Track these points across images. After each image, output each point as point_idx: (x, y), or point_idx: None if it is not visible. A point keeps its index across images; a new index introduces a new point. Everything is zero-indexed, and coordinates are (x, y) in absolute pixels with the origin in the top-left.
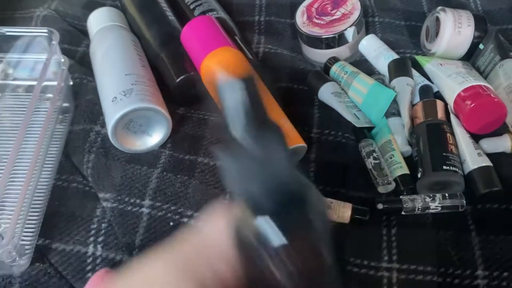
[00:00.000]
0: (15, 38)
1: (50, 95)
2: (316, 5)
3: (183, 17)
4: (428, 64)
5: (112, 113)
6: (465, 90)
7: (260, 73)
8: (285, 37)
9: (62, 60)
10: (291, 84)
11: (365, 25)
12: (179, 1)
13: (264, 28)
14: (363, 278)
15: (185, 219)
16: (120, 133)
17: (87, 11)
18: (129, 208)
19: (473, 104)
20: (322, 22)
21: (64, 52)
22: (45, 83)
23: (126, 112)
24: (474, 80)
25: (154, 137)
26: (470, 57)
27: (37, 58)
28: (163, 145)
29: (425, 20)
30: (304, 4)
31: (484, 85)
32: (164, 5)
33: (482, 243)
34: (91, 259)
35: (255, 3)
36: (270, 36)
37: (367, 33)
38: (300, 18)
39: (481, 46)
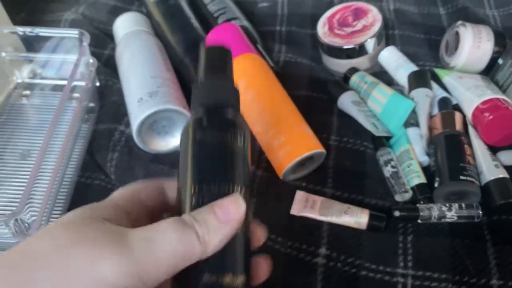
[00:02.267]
0: (46, 38)
1: (78, 95)
2: (337, 16)
3: (207, 25)
4: (447, 77)
5: (137, 114)
6: (483, 103)
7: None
8: (305, 47)
9: (91, 61)
10: (311, 93)
11: (385, 37)
12: (203, 10)
13: (285, 37)
14: (378, 283)
15: None
16: (144, 133)
17: (112, 16)
18: None
19: (491, 116)
20: (343, 33)
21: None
22: (74, 83)
23: (151, 113)
24: (493, 93)
25: (177, 138)
26: (489, 71)
27: (64, 58)
28: None
29: (444, 34)
30: (326, 15)
31: (502, 98)
32: (188, 12)
33: (497, 253)
34: None
35: (277, 13)
36: (290, 45)
37: (387, 45)
38: (322, 28)
39: (500, 61)
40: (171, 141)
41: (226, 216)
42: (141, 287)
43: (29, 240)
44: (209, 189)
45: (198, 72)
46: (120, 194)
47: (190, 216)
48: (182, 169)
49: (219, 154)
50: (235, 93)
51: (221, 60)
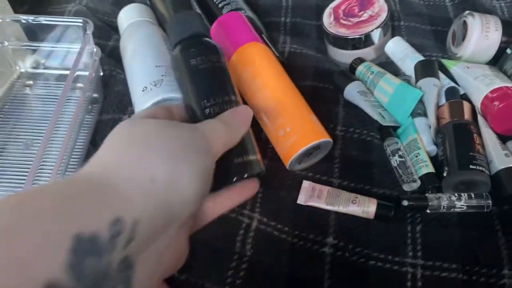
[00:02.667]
0: (50, 28)
1: (81, 85)
2: (343, 7)
3: (212, 15)
4: (455, 67)
5: (142, 102)
6: (493, 91)
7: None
8: (310, 38)
9: (95, 50)
10: (317, 83)
11: (391, 28)
12: (207, 0)
13: (290, 29)
14: (387, 273)
15: None
16: None
17: (116, 7)
18: None
19: (501, 105)
20: (348, 23)
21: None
22: (77, 73)
23: (157, 101)
24: (502, 82)
25: None
26: (496, 61)
27: (68, 48)
28: None
29: (451, 25)
30: (332, 5)
31: None
32: (193, 3)
33: (508, 243)
34: None
35: (282, 5)
36: (295, 36)
37: (392, 36)
38: (327, 18)
39: (508, 51)
40: None
41: (244, 117)
42: (212, 162)
43: (135, 121)
44: (216, 102)
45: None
46: (145, 114)
47: (222, 118)
48: (186, 93)
49: (215, 73)
50: (203, 22)
51: None
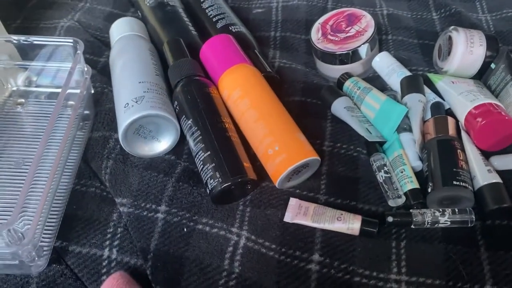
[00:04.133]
0: (41, 46)
1: (73, 102)
2: (331, 22)
3: (205, 29)
4: (440, 82)
5: (123, 119)
6: (476, 108)
7: (278, 85)
8: (300, 53)
9: (86, 69)
10: (305, 98)
11: (379, 42)
12: (201, 15)
13: (280, 43)
14: None
15: (200, 226)
16: (131, 138)
17: (108, 23)
18: (145, 213)
19: (484, 121)
20: (336, 39)
21: (86, 62)
22: (69, 90)
23: (135, 119)
24: (485, 98)
25: (163, 143)
26: (481, 76)
27: (59, 66)
28: (179, 156)
29: (437, 39)
30: (320, 21)
31: (495, 103)
32: (185, 18)
33: (490, 259)
34: (106, 262)
35: (272, 19)
36: (285, 51)
37: (380, 50)
38: (315, 34)
39: (492, 66)
40: (157, 146)
41: None
42: None
43: None
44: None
45: (168, 58)
46: None
47: None
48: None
49: (207, 100)
50: (196, 64)
51: (179, 47)
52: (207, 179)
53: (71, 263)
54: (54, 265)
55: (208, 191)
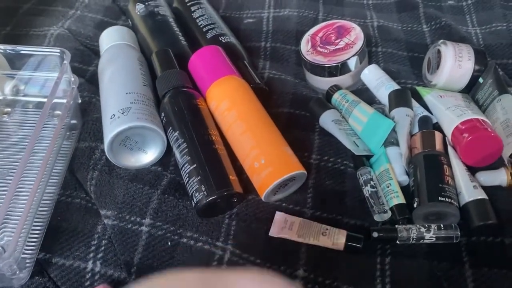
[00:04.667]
0: (28, 56)
1: (59, 112)
2: (320, 34)
3: (195, 39)
4: (428, 95)
5: (109, 130)
6: (463, 123)
7: (267, 96)
8: (290, 64)
9: (72, 79)
10: (293, 110)
11: (368, 54)
12: (191, 25)
13: (270, 54)
14: None
15: (184, 239)
16: (117, 149)
17: (98, 31)
18: (129, 226)
19: (470, 137)
20: (325, 51)
21: (75, 70)
22: (55, 100)
23: (121, 130)
24: (472, 114)
25: (149, 155)
26: (470, 90)
27: (47, 75)
28: (165, 168)
29: (427, 52)
30: (309, 32)
31: (481, 119)
32: (175, 28)
33: (475, 275)
34: (90, 274)
35: (262, 29)
36: (275, 62)
37: (370, 62)
38: (305, 46)
39: (480, 80)
40: (143, 158)
41: None
42: None
43: None
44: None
45: (156, 69)
46: None
47: None
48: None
49: (194, 112)
50: (184, 75)
51: (168, 58)
52: (193, 192)
53: (54, 275)
54: (37, 277)
55: (193, 204)
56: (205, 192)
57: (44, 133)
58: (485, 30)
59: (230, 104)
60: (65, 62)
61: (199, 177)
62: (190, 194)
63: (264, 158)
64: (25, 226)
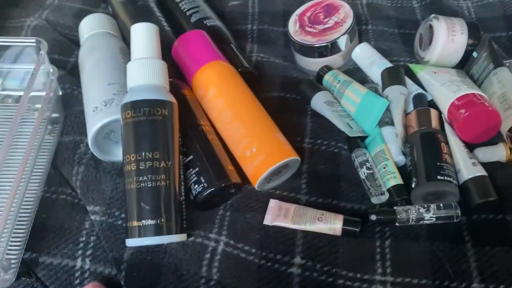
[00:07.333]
0: (4, 48)
1: (38, 106)
2: (308, 14)
3: (179, 24)
4: (422, 72)
5: (92, 124)
6: (459, 99)
7: (256, 80)
8: (278, 46)
9: (51, 70)
10: (284, 93)
11: (358, 33)
12: (174, 9)
13: (257, 36)
14: None
15: None
16: (101, 143)
17: (78, 20)
18: (118, 222)
19: (467, 113)
20: (314, 31)
21: (55, 62)
22: (34, 93)
23: (105, 123)
24: (468, 89)
25: None
26: (464, 65)
27: (27, 68)
28: None
29: (418, 28)
30: (297, 12)
31: (478, 94)
32: (158, 14)
33: (477, 255)
34: (79, 272)
35: (248, 12)
36: (263, 44)
37: (360, 41)
38: (293, 26)
39: (474, 54)
40: None
41: None
42: None
43: None
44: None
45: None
46: None
47: None
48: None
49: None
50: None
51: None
52: (191, 184)
53: (42, 275)
54: (24, 278)
55: (192, 197)
56: (205, 184)
57: (24, 128)
58: (476, 3)
59: (217, 92)
60: (41, 52)
61: (197, 169)
62: (188, 186)
63: (256, 146)
64: (8, 225)
